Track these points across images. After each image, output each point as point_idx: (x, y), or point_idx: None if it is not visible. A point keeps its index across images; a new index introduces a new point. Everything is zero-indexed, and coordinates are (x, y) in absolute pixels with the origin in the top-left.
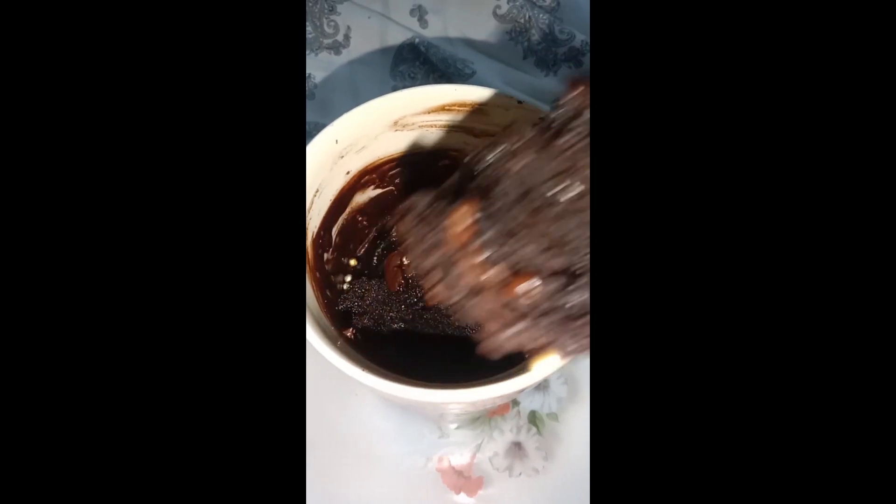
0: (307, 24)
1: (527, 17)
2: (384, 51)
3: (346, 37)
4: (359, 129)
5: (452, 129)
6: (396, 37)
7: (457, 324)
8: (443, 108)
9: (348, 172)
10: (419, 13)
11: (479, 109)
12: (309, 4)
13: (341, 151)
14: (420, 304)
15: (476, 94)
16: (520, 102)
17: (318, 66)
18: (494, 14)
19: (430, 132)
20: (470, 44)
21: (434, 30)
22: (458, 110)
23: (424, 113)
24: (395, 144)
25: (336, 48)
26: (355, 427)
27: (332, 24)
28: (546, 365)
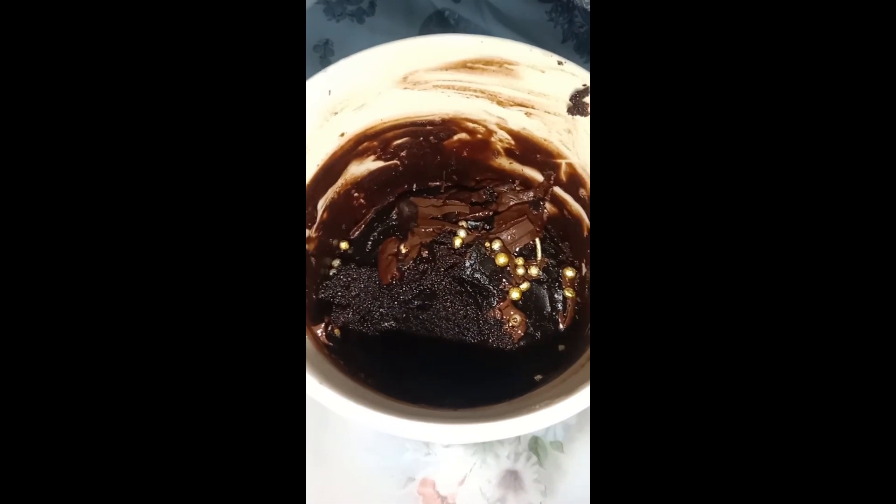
0: None
1: None
2: (410, 22)
3: (372, 4)
4: (359, 81)
5: (473, 93)
6: (425, 8)
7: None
8: (464, 65)
9: (343, 134)
10: None
11: (508, 70)
12: None
13: (335, 106)
14: (416, 303)
15: (507, 49)
16: (560, 63)
17: (337, 33)
18: None
19: (445, 95)
20: (504, 21)
21: (467, 4)
22: (483, 69)
23: (441, 69)
24: (401, 106)
25: (359, 15)
26: (326, 431)
27: None
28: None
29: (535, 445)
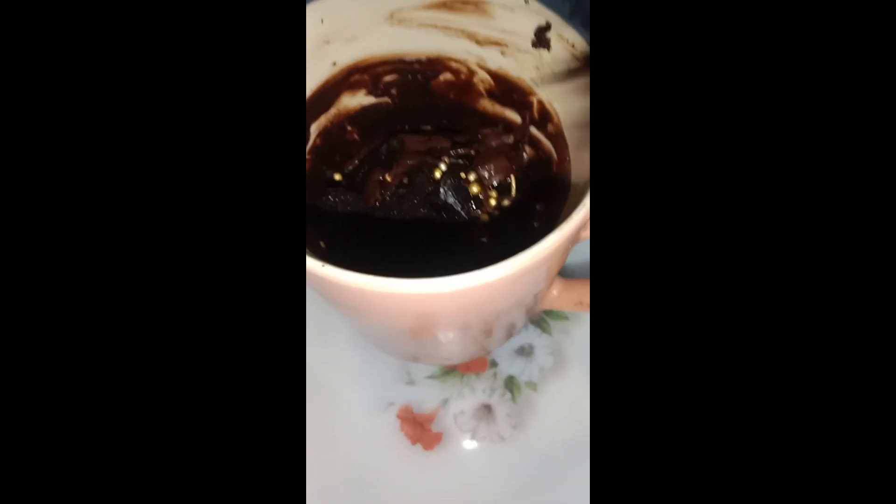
0: None
1: None
2: None
3: None
4: (349, 14)
5: (454, 32)
6: None
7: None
8: (443, 4)
9: (335, 63)
10: None
11: (483, 10)
12: None
13: (327, 35)
14: (394, 229)
15: None
16: (526, 2)
17: None
18: None
19: (430, 33)
20: None
21: None
22: (461, 9)
23: (424, 8)
24: (390, 42)
25: None
26: (320, 357)
27: None
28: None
29: (511, 384)
